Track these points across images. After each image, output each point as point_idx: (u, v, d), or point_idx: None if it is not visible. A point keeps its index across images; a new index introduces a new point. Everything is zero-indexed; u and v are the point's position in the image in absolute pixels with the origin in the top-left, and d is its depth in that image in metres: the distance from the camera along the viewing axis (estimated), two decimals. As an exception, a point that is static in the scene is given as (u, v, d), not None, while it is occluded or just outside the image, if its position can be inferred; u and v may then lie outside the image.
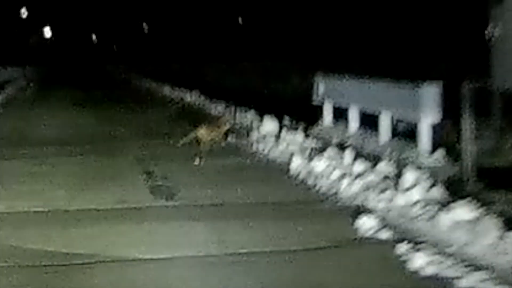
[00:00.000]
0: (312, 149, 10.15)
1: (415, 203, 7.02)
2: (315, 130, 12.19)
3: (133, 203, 8.10)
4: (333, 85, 12.26)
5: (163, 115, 18.13)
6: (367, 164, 8.67)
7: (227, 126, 11.17)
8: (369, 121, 11.32)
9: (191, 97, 21.92)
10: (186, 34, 70.97)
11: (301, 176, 9.10)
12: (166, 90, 26.69)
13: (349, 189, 7.98)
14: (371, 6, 34.31)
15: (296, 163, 9.41)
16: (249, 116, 15.18)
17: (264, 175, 9.55)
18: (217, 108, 17.88)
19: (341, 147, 10.25)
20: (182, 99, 22.65)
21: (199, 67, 48.52)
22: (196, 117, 16.91)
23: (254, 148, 11.46)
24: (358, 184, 7.96)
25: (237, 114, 15.98)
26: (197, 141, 10.71)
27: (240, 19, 74.66)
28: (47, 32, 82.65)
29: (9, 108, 21.51)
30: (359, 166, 8.57)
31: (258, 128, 12.78)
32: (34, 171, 10.18)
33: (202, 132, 10.72)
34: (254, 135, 12.15)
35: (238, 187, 8.79)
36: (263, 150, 11.02)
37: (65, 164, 10.77)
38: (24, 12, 76.25)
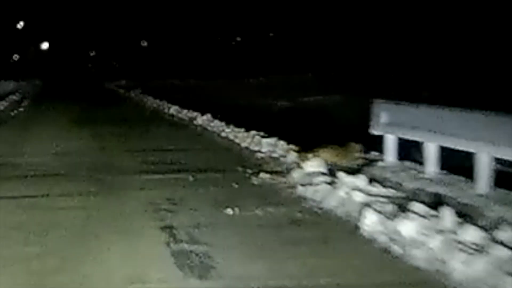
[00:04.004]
0: (385, 199, 7.66)
1: None
2: (377, 170, 9.71)
3: (153, 284, 5.64)
4: (402, 113, 9.79)
5: (175, 141, 15.62)
6: (478, 227, 6.20)
7: (357, 153, 9.11)
8: (449, 160, 8.91)
9: (203, 120, 19.46)
10: (186, 50, 69.08)
11: (380, 241, 6.64)
12: (173, 109, 24.24)
13: (467, 269, 5.52)
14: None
15: (370, 220, 6.95)
16: (280, 146, 12.73)
17: (326, 235, 7.07)
18: (236, 133, 15.39)
19: (429, 198, 7.80)
20: (192, 121, 20.19)
21: (204, 83, 46.29)
22: (217, 146, 14.48)
23: (299, 192, 8.98)
24: (481, 262, 5.50)
25: (263, 142, 13.51)
26: None
27: (238, 38, 72.87)
28: (45, 46, 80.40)
29: (-2, 128, 19.08)
30: (470, 231, 6.10)
31: (298, 164, 10.31)
32: (19, 222, 7.72)
33: (326, 156, 9.31)
34: (296, 174, 9.67)
35: (296, 256, 6.35)
36: (314, 196, 8.53)
37: (60, 210, 8.30)
38: (21, 25, 74.02)
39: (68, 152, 13.61)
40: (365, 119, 11.11)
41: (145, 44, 78.92)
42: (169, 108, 25.29)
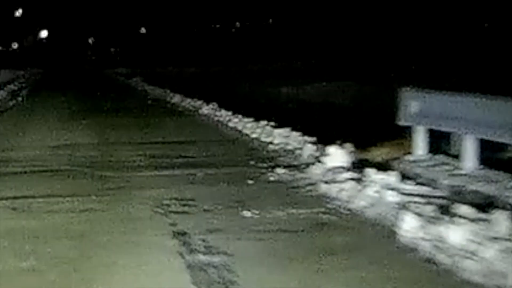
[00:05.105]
0: (422, 199, 6.84)
1: None
2: (407, 164, 8.89)
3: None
4: (434, 102, 8.95)
5: (181, 132, 14.81)
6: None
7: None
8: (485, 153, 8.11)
9: (208, 109, 18.65)
10: (186, 37, 68.30)
11: (423, 249, 5.83)
12: (176, 98, 23.45)
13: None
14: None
15: (409, 224, 6.15)
16: (294, 137, 11.93)
17: (359, 242, 6.27)
18: (245, 123, 14.57)
19: (472, 198, 6.98)
20: (197, 110, 19.39)
21: (205, 70, 45.47)
22: (226, 138, 13.65)
23: (321, 190, 8.16)
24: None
25: (275, 133, 12.70)
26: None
27: (237, 23, 71.99)
28: (43, 34, 79.52)
29: (-6, 120, 18.24)
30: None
31: (318, 158, 9.49)
32: (11, 228, 6.91)
33: (376, 153, 9.01)
34: (317, 170, 8.85)
35: (327, 267, 5.55)
36: (339, 195, 7.71)
37: (57, 213, 7.49)
38: (19, 13, 73.14)
39: (68, 145, 12.81)
40: (370, 106, 10.36)
41: (143, 31, 78.05)
42: (172, 96, 24.53)
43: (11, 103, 24.16)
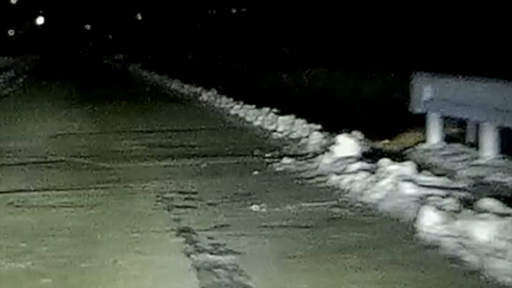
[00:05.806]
0: (442, 191, 6.44)
1: None
2: (421, 154, 8.48)
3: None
4: (450, 88, 8.53)
5: (181, 120, 14.40)
6: None
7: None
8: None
9: (209, 96, 18.25)
10: (182, 23, 67.79)
11: (446, 246, 5.43)
12: (175, 85, 23.03)
13: None
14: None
15: (429, 219, 5.75)
16: (299, 125, 11.54)
17: (376, 238, 5.87)
18: (247, 110, 14.18)
19: (496, 190, 6.59)
20: (196, 96, 19.00)
21: (202, 56, 45.01)
22: (228, 126, 13.25)
23: (332, 181, 7.76)
24: None
25: (279, 120, 12.30)
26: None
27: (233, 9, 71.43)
28: (40, 20, 78.94)
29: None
30: None
31: (326, 147, 9.09)
32: (5, 224, 6.50)
33: (386, 142, 8.81)
34: (326, 159, 8.44)
35: (346, 267, 5.16)
36: (351, 187, 7.31)
37: (55, 208, 7.08)
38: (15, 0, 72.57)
39: (65, 135, 12.43)
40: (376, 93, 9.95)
41: (140, 17, 77.52)
42: (170, 83, 24.13)
43: (6, 92, 23.72)
